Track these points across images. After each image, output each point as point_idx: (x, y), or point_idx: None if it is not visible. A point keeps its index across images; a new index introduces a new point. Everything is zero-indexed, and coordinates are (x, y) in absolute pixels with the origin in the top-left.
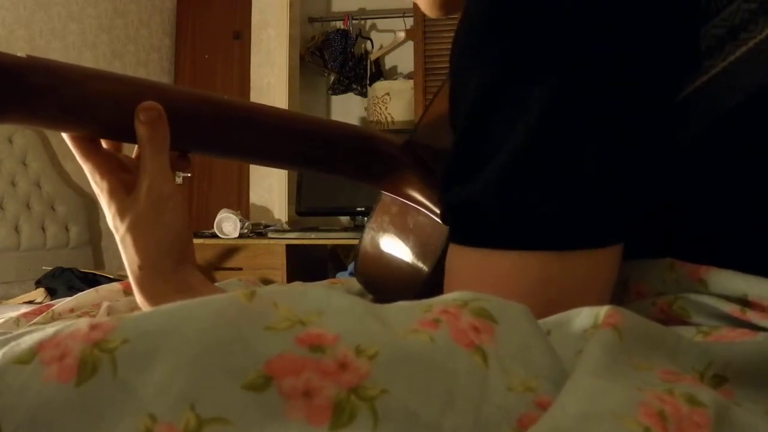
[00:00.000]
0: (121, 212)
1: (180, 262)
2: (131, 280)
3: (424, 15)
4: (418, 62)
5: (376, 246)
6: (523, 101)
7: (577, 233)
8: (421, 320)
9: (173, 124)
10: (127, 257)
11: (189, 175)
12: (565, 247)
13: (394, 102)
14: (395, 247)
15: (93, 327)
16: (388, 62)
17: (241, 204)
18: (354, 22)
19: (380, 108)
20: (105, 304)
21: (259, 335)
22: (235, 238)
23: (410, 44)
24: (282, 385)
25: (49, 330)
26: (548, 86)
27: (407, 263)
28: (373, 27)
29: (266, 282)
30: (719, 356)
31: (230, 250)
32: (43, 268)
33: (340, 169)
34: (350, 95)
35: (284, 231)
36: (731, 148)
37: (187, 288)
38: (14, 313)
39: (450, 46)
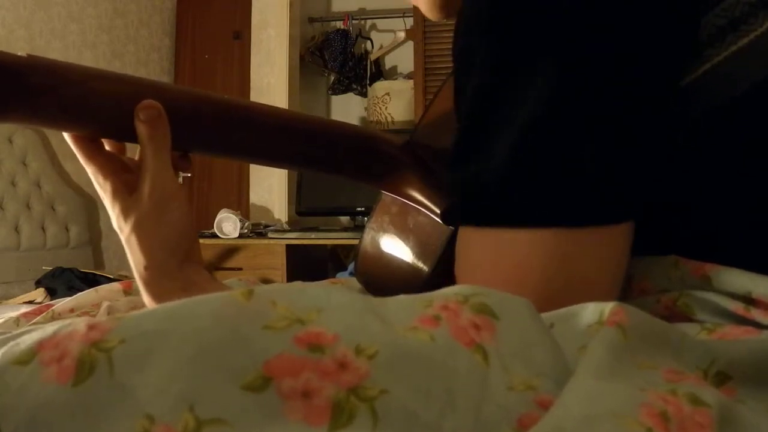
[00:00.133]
0: (125, 212)
1: (186, 261)
2: (137, 279)
3: (424, 15)
4: (418, 62)
5: (376, 246)
6: (522, 101)
7: (588, 210)
8: (421, 317)
9: (173, 124)
10: (133, 257)
11: (189, 175)
12: (577, 223)
13: (394, 102)
14: (395, 247)
15: (91, 327)
16: (388, 62)
17: (241, 204)
18: (354, 22)
19: (380, 108)
20: (105, 304)
21: (258, 335)
22: (235, 238)
23: (410, 44)
24: (281, 385)
25: (48, 330)
26: (547, 86)
27: (407, 263)
28: (373, 27)
29: (266, 282)
30: (723, 354)
31: (230, 250)
32: (43, 268)
33: (340, 168)
34: (350, 95)
35: (284, 231)
36: (731, 147)
37: (194, 286)
38: (14, 313)
39: (450, 47)
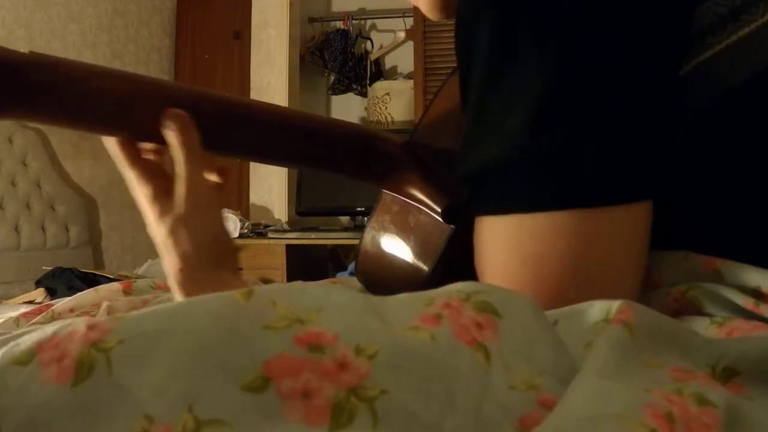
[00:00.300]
0: (161, 217)
1: (220, 265)
2: (171, 282)
3: (424, 15)
4: (418, 62)
5: (377, 245)
6: (521, 101)
7: (602, 189)
8: (422, 315)
9: None
10: (168, 261)
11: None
12: (591, 202)
13: (394, 102)
14: (396, 246)
15: (91, 327)
16: (388, 62)
17: (241, 204)
18: (354, 22)
19: (380, 108)
20: (105, 304)
21: (258, 335)
22: (234, 238)
23: (410, 44)
24: (281, 385)
25: (48, 330)
26: (547, 86)
27: (408, 263)
28: (373, 27)
29: (266, 282)
30: (732, 351)
31: None
32: (43, 268)
33: (340, 167)
34: (350, 95)
35: (284, 231)
36: (731, 145)
37: (227, 289)
38: (14, 313)
39: (450, 47)
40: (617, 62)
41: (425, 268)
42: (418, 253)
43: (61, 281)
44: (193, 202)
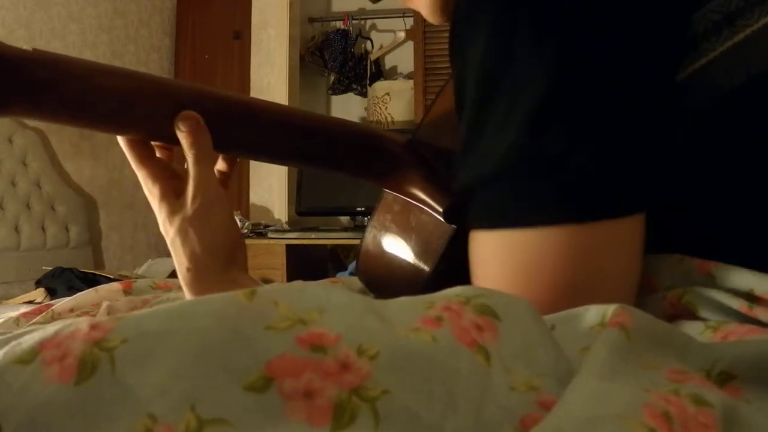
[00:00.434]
0: (171, 216)
1: (229, 264)
2: (181, 280)
3: None
4: (418, 62)
5: (378, 244)
6: (521, 101)
7: (593, 204)
8: (423, 317)
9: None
10: (177, 259)
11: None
12: (584, 218)
13: (394, 102)
14: (397, 246)
15: (93, 326)
16: (388, 62)
17: (241, 204)
18: (354, 22)
19: (380, 108)
20: (105, 304)
21: (260, 335)
22: None
23: (410, 44)
24: (283, 386)
25: (50, 329)
26: (547, 86)
27: (409, 262)
28: (373, 27)
29: (266, 282)
30: (727, 354)
31: None
32: (43, 268)
33: (340, 165)
34: (350, 95)
35: (284, 231)
36: (730, 145)
37: (236, 288)
38: (14, 313)
39: None
40: (617, 62)
41: (426, 267)
42: (419, 253)
43: (61, 281)
44: (202, 202)
